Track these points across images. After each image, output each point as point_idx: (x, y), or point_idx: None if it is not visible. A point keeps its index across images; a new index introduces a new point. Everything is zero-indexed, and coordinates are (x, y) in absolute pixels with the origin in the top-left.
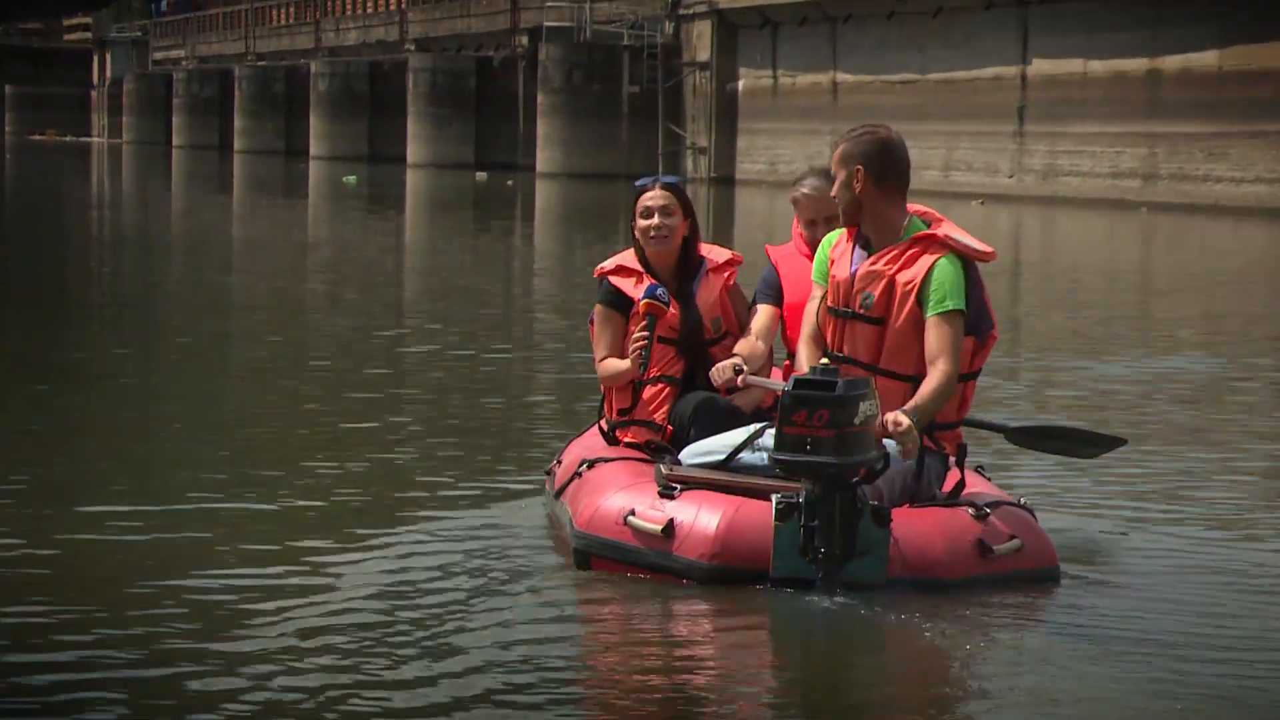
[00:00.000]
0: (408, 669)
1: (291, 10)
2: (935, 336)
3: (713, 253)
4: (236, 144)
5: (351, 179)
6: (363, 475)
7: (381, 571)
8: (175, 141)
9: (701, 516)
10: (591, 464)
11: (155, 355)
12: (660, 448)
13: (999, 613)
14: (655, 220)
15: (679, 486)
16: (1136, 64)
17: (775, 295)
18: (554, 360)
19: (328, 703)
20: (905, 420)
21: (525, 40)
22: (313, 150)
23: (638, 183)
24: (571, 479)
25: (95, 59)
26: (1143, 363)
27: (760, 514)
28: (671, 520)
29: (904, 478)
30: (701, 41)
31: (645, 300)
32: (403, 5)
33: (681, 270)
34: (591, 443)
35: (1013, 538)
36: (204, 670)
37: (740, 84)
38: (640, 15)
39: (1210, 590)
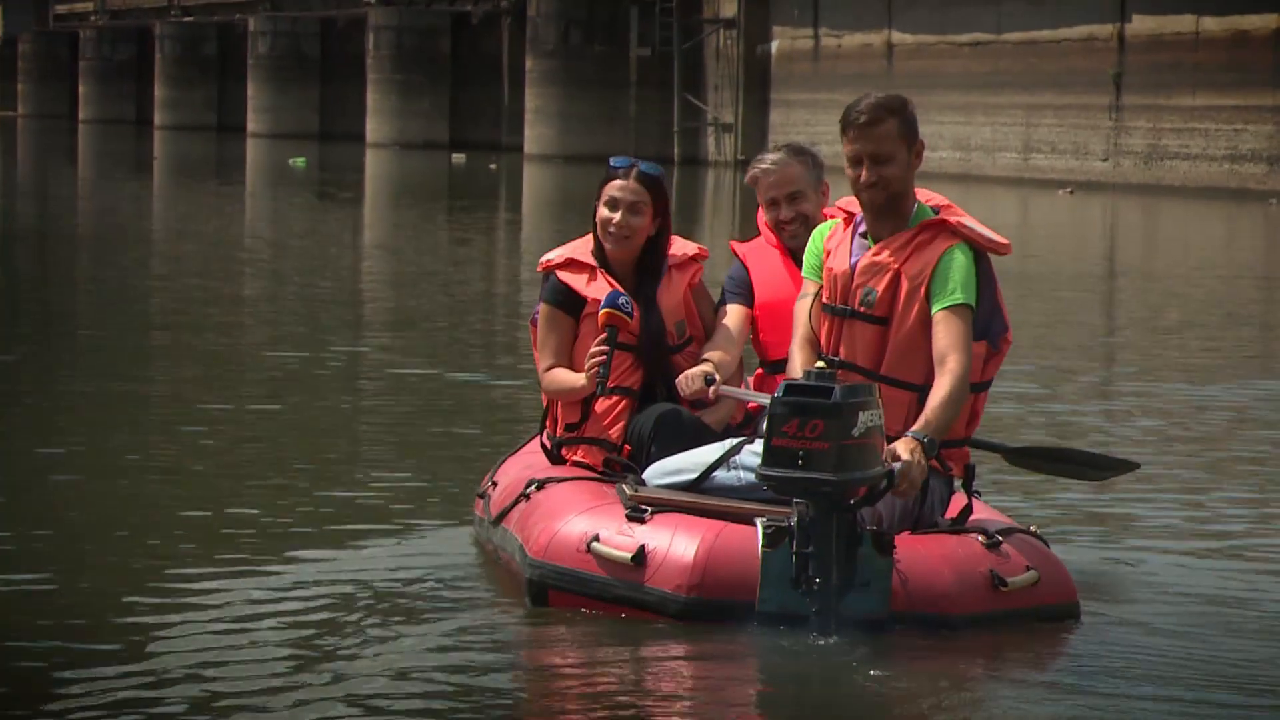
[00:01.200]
0: None
1: None
2: (943, 332)
3: (681, 247)
4: (157, 118)
5: (300, 161)
6: (260, 506)
7: (287, 615)
8: (82, 114)
9: (677, 543)
10: (541, 484)
11: (56, 365)
12: (623, 465)
13: (1014, 655)
14: (619, 217)
15: (649, 509)
16: (1263, 21)
17: (745, 294)
18: (513, 377)
19: None
20: (910, 454)
21: None
22: (251, 126)
23: (612, 162)
24: (517, 502)
25: None
26: (1255, 386)
27: (744, 540)
28: (642, 547)
29: (906, 500)
30: None
31: (606, 310)
32: None
33: (642, 269)
34: (533, 461)
35: (1029, 569)
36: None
37: (773, 46)
38: None
39: (1243, 633)
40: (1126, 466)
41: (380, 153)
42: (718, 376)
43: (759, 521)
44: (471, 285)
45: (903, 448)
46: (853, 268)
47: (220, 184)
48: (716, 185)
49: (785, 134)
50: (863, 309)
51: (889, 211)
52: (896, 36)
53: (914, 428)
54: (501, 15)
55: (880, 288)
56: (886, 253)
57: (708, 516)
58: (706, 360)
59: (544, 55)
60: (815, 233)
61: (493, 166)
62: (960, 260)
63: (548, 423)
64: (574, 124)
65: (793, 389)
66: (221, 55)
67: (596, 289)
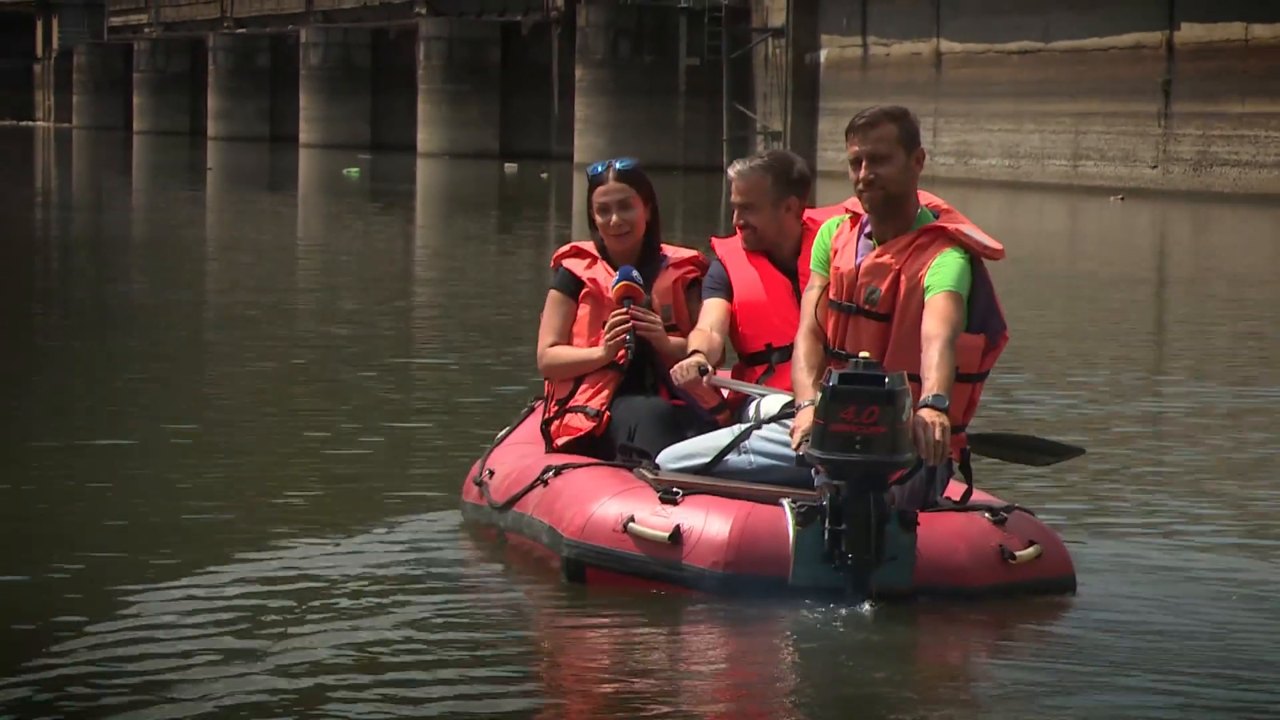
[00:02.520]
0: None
1: None
2: (930, 313)
3: (677, 252)
4: (211, 128)
5: (353, 171)
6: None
7: (319, 598)
8: (136, 125)
9: (710, 522)
10: (559, 470)
11: (106, 375)
12: (637, 451)
13: (1022, 623)
14: (614, 218)
15: (680, 491)
16: None
17: (724, 290)
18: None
19: None
20: (946, 419)
21: (561, 2)
22: (303, 136)
23: (591, 170)
24: (533, 487)
25: (39, 26)
26: None
27: (773, 519)
28: (678, 526)
29: (916, 480)
30: (775, 3)
31: (622, 283)
32: None
33: (643, 258)
34: (527, 450)
35: (1032, 544)
36: (207, 676)
37: (822, 54)
38: None
39: (1219, 601)
40: (1073, 452)
41: (431, 162)
42: (710, 366)
43: (785, 502)
44: (538, 297)
45: (929, 416)
46: (858, 267)
47: (275, 194)
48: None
49: (835, 142)
50: (867, 306)
51: (890, 213)
52: (945, 45)
53: (927, 394)
54: (551, 25)
55: (883, 287)
56: (889, 255)
57: (735, 498)
58: (697, 350)
59: (593, 65)
60: (823, 228)
61: (543, 175)
62: (954, 258)
63: (551, 405)
64: (623, 133)
65: (847, 378)
66: (274, 66)
67: (594, 271)
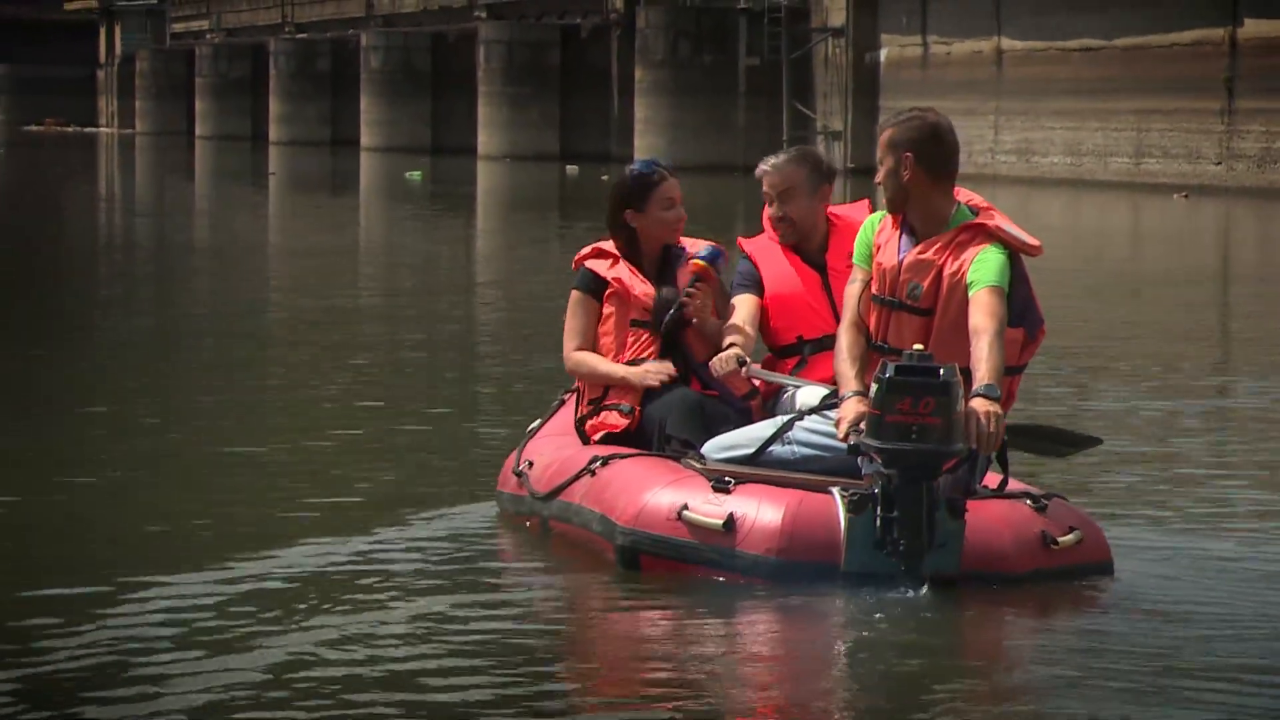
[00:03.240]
0: (462, 686)
1: None
2: (976, 308)
3: (695, 245)
4: (272, 133)
5: (416, 174)
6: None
7: (374, 591)
8: (199, 131)
9: (763, 511)
10: (606, 461)
11: (167, 376)
12: (682, 442)
13: (1065, 607)
14: (678, 211)
15: (732, 480)
16: None
17: (755, 286)
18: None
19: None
20: (998, 409)
21: (620, 4)
22: (364, 140)
23: (641, 170)
24: (578, 477)
25: (102, 32)
26: None
27: (824, 507)
28: (731, 514)
29: (960, 469)
30: (835, 2)
31: (700, 262)
32: None
33: (664, 254)
34: (564, 441)
35: (1073, 530)
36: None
37: (882, 54)
38: None
39: (1256, 585)
40: (1090, 442)
41: (491, 165)
42: (748, 358)
43: (835, 491)
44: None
45: (981, 406)
46: (900, 263)
47: (338, 197)
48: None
49: None
50: (909, 301)
51: (897, 205)
52: (1006, 43)
53: (978, 385)
54: (611, 27)
55: (926, 283)
56: (930, 251)
57: (785, 487)
58: (733, 343)
59: (653, 66)
60: (866, 224)
61: (604, 177)
62: (994, 255)
63: (584, 404)
64: (683, 134)
65: (903, 370)
66: (335, 71)
67: (618, 271)
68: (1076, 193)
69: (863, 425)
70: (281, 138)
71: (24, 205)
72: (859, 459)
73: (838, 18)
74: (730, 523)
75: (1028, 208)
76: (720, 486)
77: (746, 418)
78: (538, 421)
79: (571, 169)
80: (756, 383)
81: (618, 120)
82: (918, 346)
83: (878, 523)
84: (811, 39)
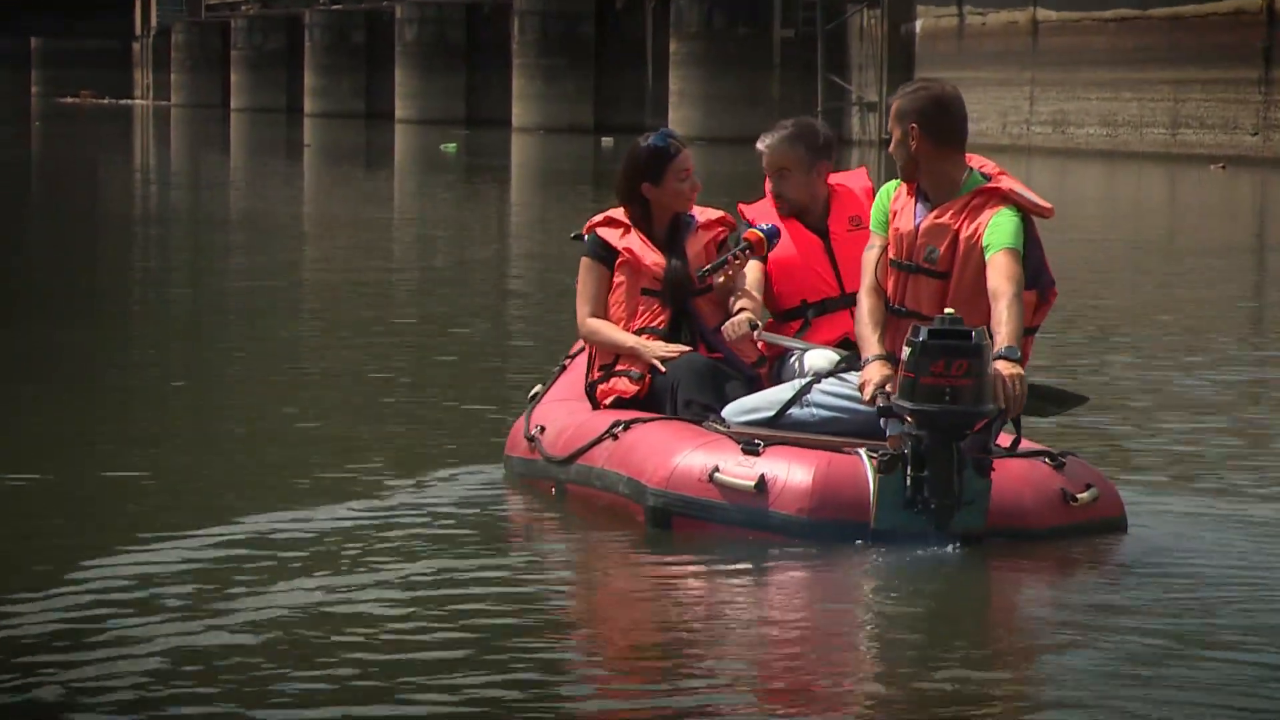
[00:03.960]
0: (506, 646)
1: None
2: (993, 271)
3: (704, 213)
4: (307, 105)
5: (451, 146)
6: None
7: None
8: (234, 103)
9: (794, 472)
10: (628, 425)
11: (191, 346)
12: (703, 405)
13: (1085, 562)
14: (692, 182)
15: (761, 442)
16: None
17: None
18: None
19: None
20: (1021, 370)
21: None
22: (399, 112)
23: (657, 143)
24: (600, 440)
25: (137, 5)
26: None
27: (852, 467)
28: (763, 475)
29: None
30: None
31: (759, 234)
32: None
33: (673, 224)
34: (575, 406)
35: (1089, 487)
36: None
37: (918, 24)
38: None
39: (1261, 542)
40: (1077, 400)
41: (526, 137)
42: (759, 322)
43: (862, 452)
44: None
45: (1005, 369)
46: (917, 228)
47: (373, 170)
48: (862, 164)
49: None
50: (926, 264)
51: (909, 173)
52: (1041, 13)
53: (999, 347)
54: None
55: (942, 246)
56: (946, 216)
57: (812, 449)
58: (743, 309)
59: (688, 38)
60: (882, 191)
61: None
62: (1008, 217)
63: (592, 368)
64: (718, 105)
65: (936, 334)
66: (369, 43)
67: (629, 241)
68: (1112, 164)
69: (889, 388)
70: (316, 110)
71: (61, 178)
72: (881, 421)
73: None
74: (762, 484)
75: (1064, 179)
76: (750, 449)
77: (756, 383)
78: (539, 386)
79: (607, 141)
80: (760, 346)
81: (652, 93)
82: (949, 310)
83: (908, 483)
84: (846, 10)
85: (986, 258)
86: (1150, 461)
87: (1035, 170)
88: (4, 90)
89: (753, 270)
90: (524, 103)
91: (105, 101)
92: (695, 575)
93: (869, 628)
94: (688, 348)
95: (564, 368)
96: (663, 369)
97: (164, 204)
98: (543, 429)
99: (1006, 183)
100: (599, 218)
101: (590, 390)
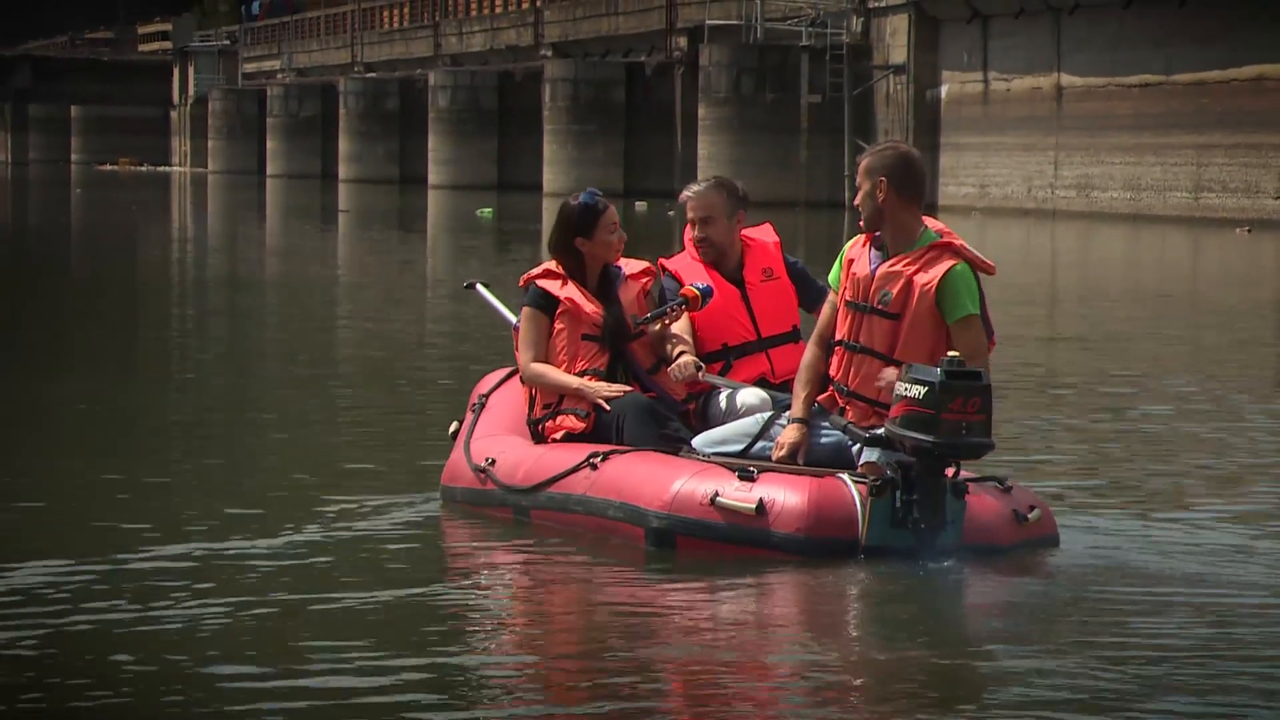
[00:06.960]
0: (507, 667)
1: (405, 11)
2: (963, 341)
3: (629, 265)
4: (341, 171)
5: (487, 211)
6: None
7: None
8: (270, 169)
9: (789, 495)
10: (606, 456)
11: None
12: (677, 439)
13: (1032, 567)
14: (620, 234)
15: (755, 469)
16: None
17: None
18: None
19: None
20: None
21: (684, 42)
22: (432, 178)
23: (586, 201)
24: (577, 469)
25: (175, 73)
26: None
27: (838, 491)
28: (761, 499)
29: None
30: (896, 40)
31: (695, 291)
32: (537, 3)
33: (604, 274)
34: (521, 441)
35: (1033, 508)
36: (253, 671)
37: (943, 90)
38: (822, 10)
39: (1188, 558)
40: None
41: (557, 201)
42: (702, 365)
43: (845, 476)
44: None
45: None
46: (872, 273)
47: (409, 234)
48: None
49: (955, 177)
50: (880, 306)
51: (873, 223)
52: (1065, 79)
53: None
54: (674, 65)
55: (895, 291)
56: (901, 264)
57: (799, 475)
58: (684, 352)
59: (716, 103)
60: (842, 251)
61: (671, 213)
62: (966, 276)
63: (530, 407)
64: (746, 170)
65: (951, 375)
66: (403, 109)
67: (569, 291)
68: (1136, 227)
69: (799, 456)
70: (350, 176)
71: (100, 242)
72: (854, 448)
73: (899, 55)
74: (761, 507)
75: (1088, 243)
76: (746, 476)
77: (686, 418)
78: (455, 424)
79: (640, 205)
80: (684, 387)
81: (681, 157)
82: (953, 353)
83: (897, 504)
84: (873, 76)
85: (950, 322)
86: (1066, 484)
87: (1059, 233)
88: (45, 157)
89: (683, 319)
90: (555, 167)
91: (144, 168)
92: (695, 590)
93: (861, 634)
94: (629, 387)
95: (483, 405)
96: (607, 407)
97: (200, 268)
98: (492, 460)
99: (957, 241)
100: (537, 270)
101: (534, 426)
